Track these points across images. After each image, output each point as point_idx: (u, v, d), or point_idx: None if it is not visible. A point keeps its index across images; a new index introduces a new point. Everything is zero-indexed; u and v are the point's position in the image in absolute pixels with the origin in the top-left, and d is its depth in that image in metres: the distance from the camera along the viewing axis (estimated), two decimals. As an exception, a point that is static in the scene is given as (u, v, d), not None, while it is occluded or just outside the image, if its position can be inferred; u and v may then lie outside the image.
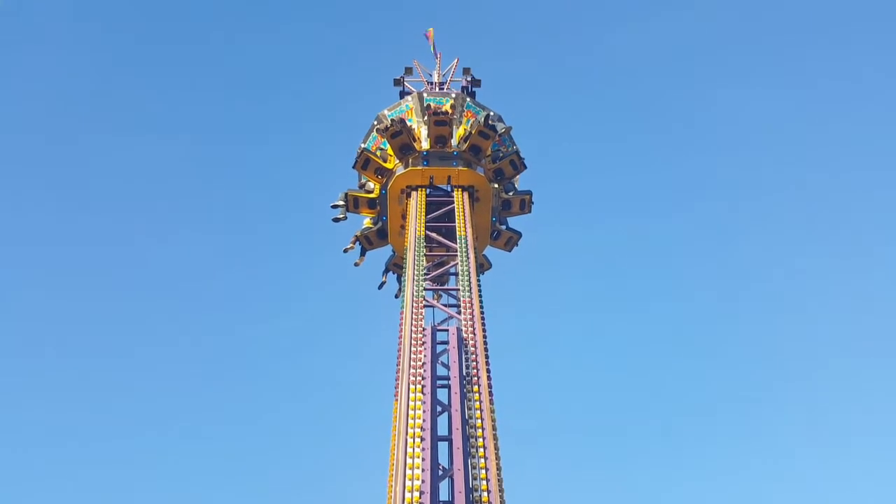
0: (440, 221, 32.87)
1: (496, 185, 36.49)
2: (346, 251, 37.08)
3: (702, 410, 75.28)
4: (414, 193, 34.84)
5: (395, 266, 36.67)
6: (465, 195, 33.62)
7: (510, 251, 37.12)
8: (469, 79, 38.37)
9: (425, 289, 28.43)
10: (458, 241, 30.92)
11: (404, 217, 35.07)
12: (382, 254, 37.24)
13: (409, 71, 38.95)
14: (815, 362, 74.88)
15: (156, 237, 79.91)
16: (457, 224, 31.81)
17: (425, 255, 30.41)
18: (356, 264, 37.05)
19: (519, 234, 36.97)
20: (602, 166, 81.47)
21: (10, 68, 77.94)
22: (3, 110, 77.32)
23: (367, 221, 36.98)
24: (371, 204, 36.71)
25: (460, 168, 35.37)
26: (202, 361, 76.84)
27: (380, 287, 36.91)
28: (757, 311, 76.59)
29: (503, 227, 36.91)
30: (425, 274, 29.28)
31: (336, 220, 37.00)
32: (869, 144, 78.35)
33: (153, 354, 75.94)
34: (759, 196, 79.01)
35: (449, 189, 34.54)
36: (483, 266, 36.36)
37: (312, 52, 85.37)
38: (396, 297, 35.92)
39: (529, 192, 37.29)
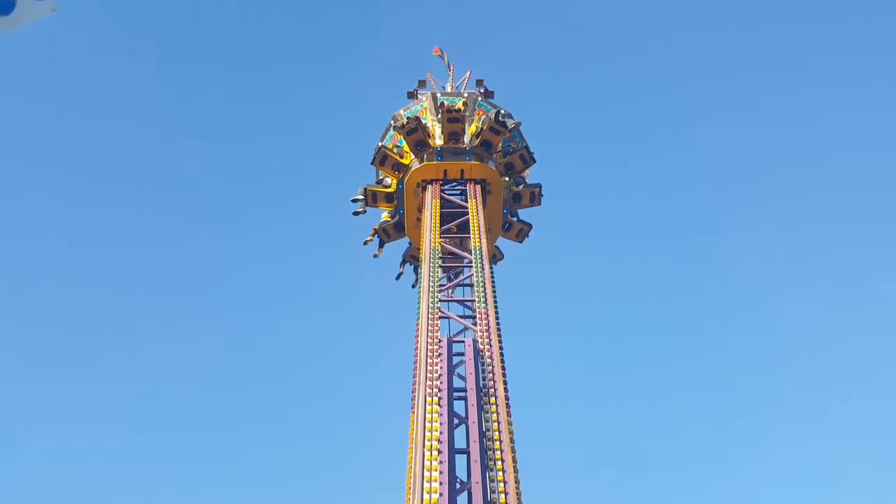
0: (455, 232, 29.74)
1: (507, 179, 34.05)
2: (365, 243, 34.69)
3: (724, 420, 68.52)
4: (429, 187, 32.37)
5: (412, 258, 34.10)
6: (479, 197, 30.50)
7: (521, 242, 34.54)
8: (482, 90, 35.40)
9: (440, 300, 25.33)
10: (472, 251, 27.79)
11: (420, 210, 32.53)
12: (400, 247, 34.49)
13: (422, 84, 36.02)
14: (823, 363, 69.08)
15: (170, 237, 72.89)
16: (471, 235, 28.70)
17: (440, 266, 27.23)
18: (375, 256, 34.71)
19: (530, 226, 34.42)
20: (609, 166, 75.52)
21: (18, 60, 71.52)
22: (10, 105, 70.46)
23: (385, 215, 34.48)
24: (389, 198, 34.24)
25: (473, 162, 32.89)
26: (216, 368, 69.64)
27: (397, 278, 34.47)
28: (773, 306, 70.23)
29: (514, 218, 34.37)
30: (441, 286, 26.15)
31: (356, 213, 34.63)
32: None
33: (155, 360, 69.07)
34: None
35: (461, 188, 31.42)
36: (496, 257, 33.87)
37: (332, 65, 78.25)
38: (413, 286, 33.33)
39: (539, 185, 34.72)
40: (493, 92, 35.08)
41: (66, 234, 70.00)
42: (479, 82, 35.18)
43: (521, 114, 34.68)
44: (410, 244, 34.06)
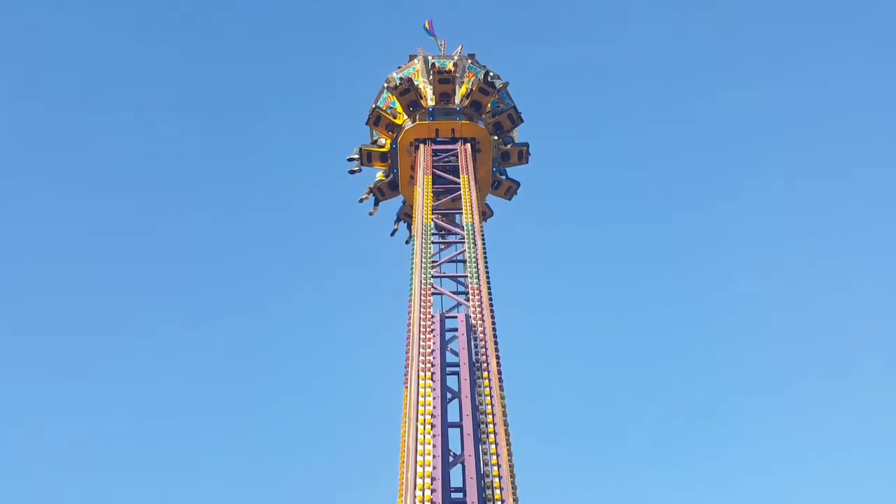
0: (447, 208, 27.18)
1: (496, 138, 31.77)
2: (361, 201, 32.53)
3: (720, 392, 61.07)
4: (421, 146, 30.31)
5: (406, 215, 31.89)
6: (471, 173, 27.77)
7: (510, 199, 32.40)
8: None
9: (433, 276, 22.87)
10: (464, 227, 25.22)
11: (413, 168, 30.24)
12: (394, 206, 32.01)
13: (413, 59, 32.83)
14: (817, 363, 61.89)
15: (157, 217, 64.72)
16: (464, 210, 26.08)
17: (433, 241, 24.68)
18: (371, 214, 32.52)
19: (518, 184, 32.16)
20: (598, 135, 67.72)
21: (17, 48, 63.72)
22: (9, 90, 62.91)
23: (379, 174, 32.10)
24: (383, 157, 31.95)
25: (463, 122, 30.57)
26: (209, 351, 62.43)
27: (392, 234, 32.39)
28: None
29: (503, 177, 32.04)
30: (433, 262, 23.64)
31: (352, 172, 32.51)
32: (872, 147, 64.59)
33: (150, 343, 61.81)
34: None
35: (454, 164, 28.64)
36: (485, 214, 31.59)
37: (324, 40, 70.00)
38: (407, 242, 31.14)
39: (526, 144, 32.46)
40: (485, 67, 32.20)
41: (57, 223, 63.24)
42: (471, 56, 32.34)
43: (512, 82, 31.92)
44: (404, 202, 31.84)
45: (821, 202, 64.90)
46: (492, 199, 32.00)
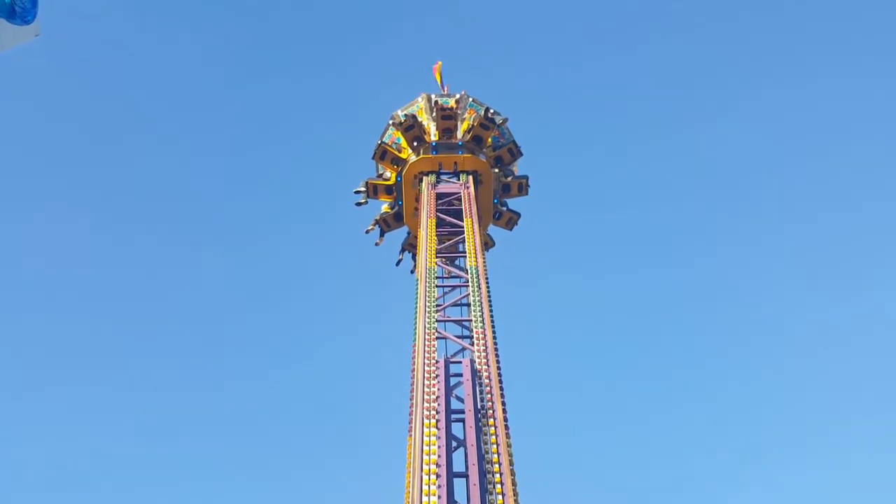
0: (451, 252, 25.58)
1: (497, 171, 30.67)
2: (367, 232, 31.42)
3: (735, 440, 55.86)
4: (425, 178, 29.13)
5: (411, 245, 30.70)
6: (475, 216, 26.19)
7: (511, 230, 31.09)
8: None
9: (437, 321, 21.21)
10: (468, 271, 23.68)
11: (417, 200, 29.00)
12: (399, 237, 30.52)
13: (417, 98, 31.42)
14: (820, 361, 58.03)
15: (172, 245, 61.49)
16: (467, 254, 24.52)
17: (437, 285, 23.01)
18: (377, 244, 31.21)
19: (518, 215, 30.87)
20: (596, 165, 64.79)
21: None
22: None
23: (385, 207, 31.01)
24: (388, 190, 30.97)
25: (465, 155, 29.56)
26: (215, 406, 58.08)
27: (397, 264, 31.19)
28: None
29: (504, 208, 30.75)
30: (437, 305, 22.00)
31: (358, 204, 31.44)
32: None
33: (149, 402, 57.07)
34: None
35: (456, 178, 27.15)
36: (488, 244, 30.22)
37: (334, 80, 66.61)
38: (412, 272, 29.58)
39: (526, 177, 31.37)
40: (485, 104, 30.79)
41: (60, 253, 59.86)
42: (475, 101, 30.90)
43: (513, 118, 30.65)
44: (409, 233, 30.69)
45: (825, 238, 60.98)
46: (493, 230, 30.60)
